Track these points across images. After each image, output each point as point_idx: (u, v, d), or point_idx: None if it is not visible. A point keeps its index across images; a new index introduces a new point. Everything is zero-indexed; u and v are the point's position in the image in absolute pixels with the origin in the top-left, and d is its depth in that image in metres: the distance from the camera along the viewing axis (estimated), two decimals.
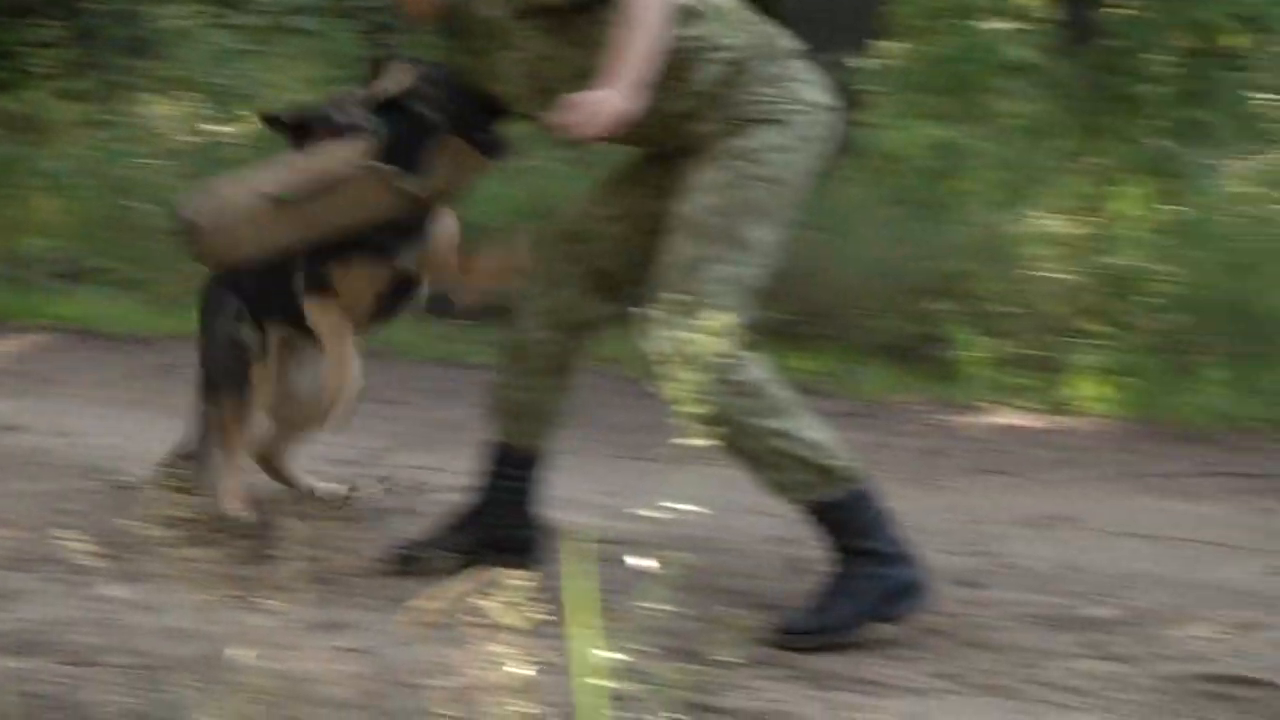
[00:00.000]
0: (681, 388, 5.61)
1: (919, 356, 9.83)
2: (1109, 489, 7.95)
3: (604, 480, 7.72)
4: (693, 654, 4.70)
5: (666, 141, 6.09)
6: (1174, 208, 10.45)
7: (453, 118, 6.38)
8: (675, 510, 3.56)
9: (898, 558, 5.87)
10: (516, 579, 3.26)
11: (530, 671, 3.31)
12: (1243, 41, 12.02)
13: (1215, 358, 9.24)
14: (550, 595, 3.17)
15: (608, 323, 6.41)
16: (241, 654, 4.92)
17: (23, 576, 6.54)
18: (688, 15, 5.90)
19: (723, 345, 5.54)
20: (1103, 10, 15.82)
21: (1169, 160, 10.97)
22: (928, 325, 9.93)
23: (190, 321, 10.38)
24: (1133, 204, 10.49)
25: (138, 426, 8.83)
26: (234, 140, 13.55)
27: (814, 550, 6.12)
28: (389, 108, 6.43)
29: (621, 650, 3.34)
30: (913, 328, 10.01)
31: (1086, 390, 9.22)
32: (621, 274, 6.23)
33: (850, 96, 12.27)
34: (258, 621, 5.75)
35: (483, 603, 3.34)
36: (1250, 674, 5.47)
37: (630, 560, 3.46)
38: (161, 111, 14.69)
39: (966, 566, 6.50)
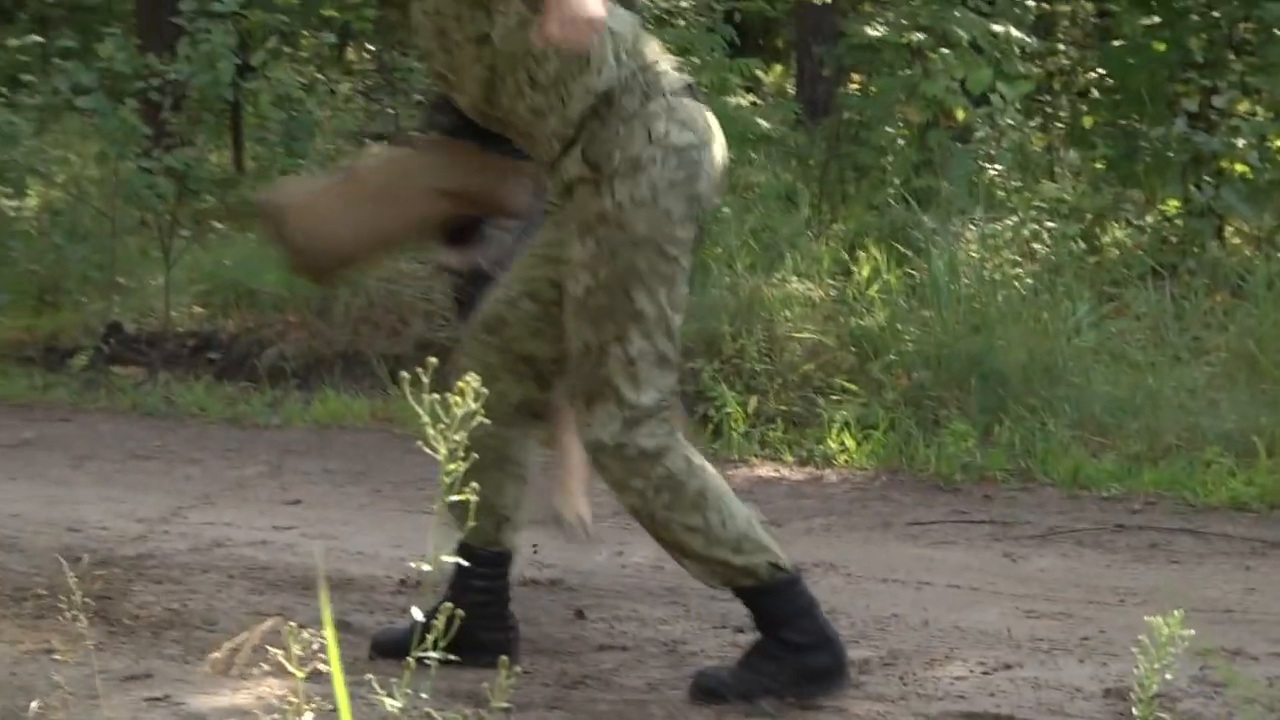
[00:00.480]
0: (608, 479, 5.61)
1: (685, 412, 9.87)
2: (864, 537, 7.99)
3: (393, 533, 7.74)
4: (471, 698, 4.75)
5: (536, 154, 5.68)
6: (912, 271, 10.52)
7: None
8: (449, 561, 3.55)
9: (815, 646, 5.66)
10: (305, 629, 3.23)
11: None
12: (968, 116, 12.12)
13: (958, 411, 9.34)
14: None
15: (547, 407, 6.06)
16: (49, 706, 4.91)
17: None
18: None
19: (644, 439, 5.56)
20: (839, 87, 15.98)
21: (906, 226, 11.06)
22: (690, 384, 9.95)
23: None
24: (874, 268, 10.57)
25: None
26: (26, 214, 13.43)
27: (588, 598, 6.19)
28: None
29: (394, 697, 3.28)
30: (680, 386, 10.05)
31: (840, 444, 9.29)
32: (544, 355, 5.79)
33: None
34: (65, 675, 5.71)
35: (274, 651, 3.33)
36: (1003, 712, 5.50)
37: (416, 610, 3.41)
38: None
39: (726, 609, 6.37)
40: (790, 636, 5.65)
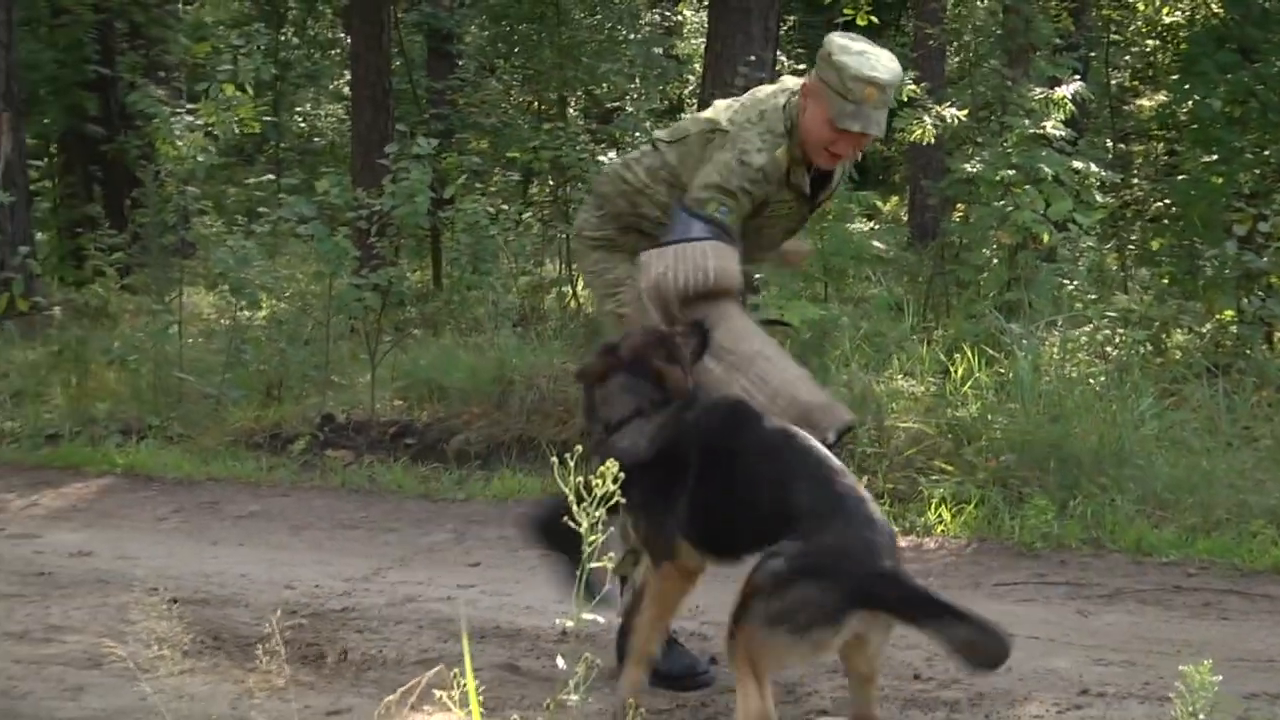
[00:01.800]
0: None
1: None
2: (957, 595, 7.90)
3: (558, 591, 7.71)
4: None
5: None
6: (1001, 370, 10.46)
7: None
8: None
9: None
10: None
11: None
12: (1052, 239, 12.05)
13: (1038, 489, 9.24)
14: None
15: None
16: None
17: (91, 673, 6.52)
18: None
19: None
20: (944, 215, 15.92)
21: (997, 332, 10.99)
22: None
23: (224, 468, 10.48)
24: (969, 367, 10.49)
25: (186, 552, 8.83)
26: (258, 323, 13.52)
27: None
28: None
29: None
30: None
31: (938, 516, 9.20)
32: None
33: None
34: (276, 710, 5.72)
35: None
36: None
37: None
38: (201, 301, 14.64)
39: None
40: None
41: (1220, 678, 3.96)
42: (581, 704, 3.33)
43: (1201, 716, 3.48)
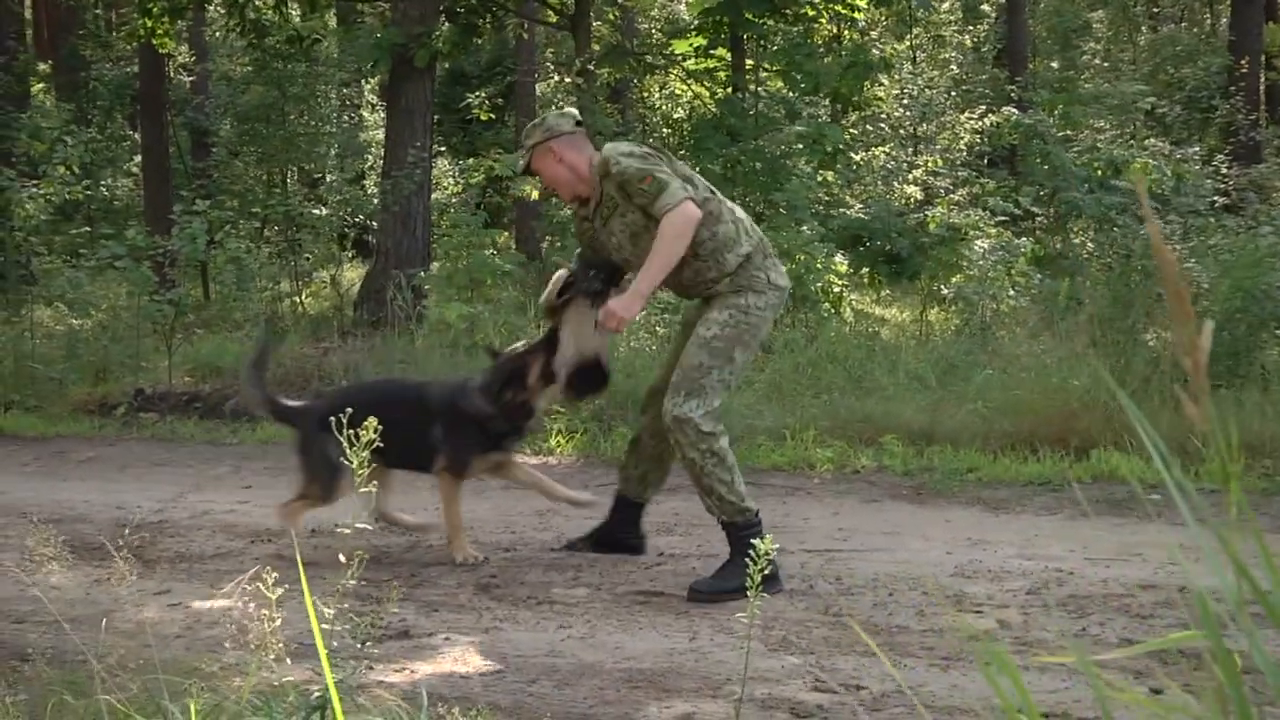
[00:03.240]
0: (681, 444, 5.66)
1: None
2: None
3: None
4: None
5: (700, 294, 5.96)
6: None
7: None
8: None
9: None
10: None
11: None
12: None
13: (621, 421, 9.21)
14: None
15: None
16: (110, 612, 4.62)
17: None
18: (716, 219, 5.81)
19: (708, 424, 5.71)
20: (544, 244, 15.79)
21: None
22: None
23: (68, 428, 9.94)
24: None
25: (44, 487, 8.42)
26: (89, 327, 13.03)
27: None
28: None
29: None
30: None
31: (558, 443, 9.13)
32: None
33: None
34: (117, 594, 5.43)
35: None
36: None
37: None
38: (42, 314, 14.04)
39: None
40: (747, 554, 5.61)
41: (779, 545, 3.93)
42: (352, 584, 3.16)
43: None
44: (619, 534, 6.42)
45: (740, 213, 6.03)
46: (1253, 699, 1.55)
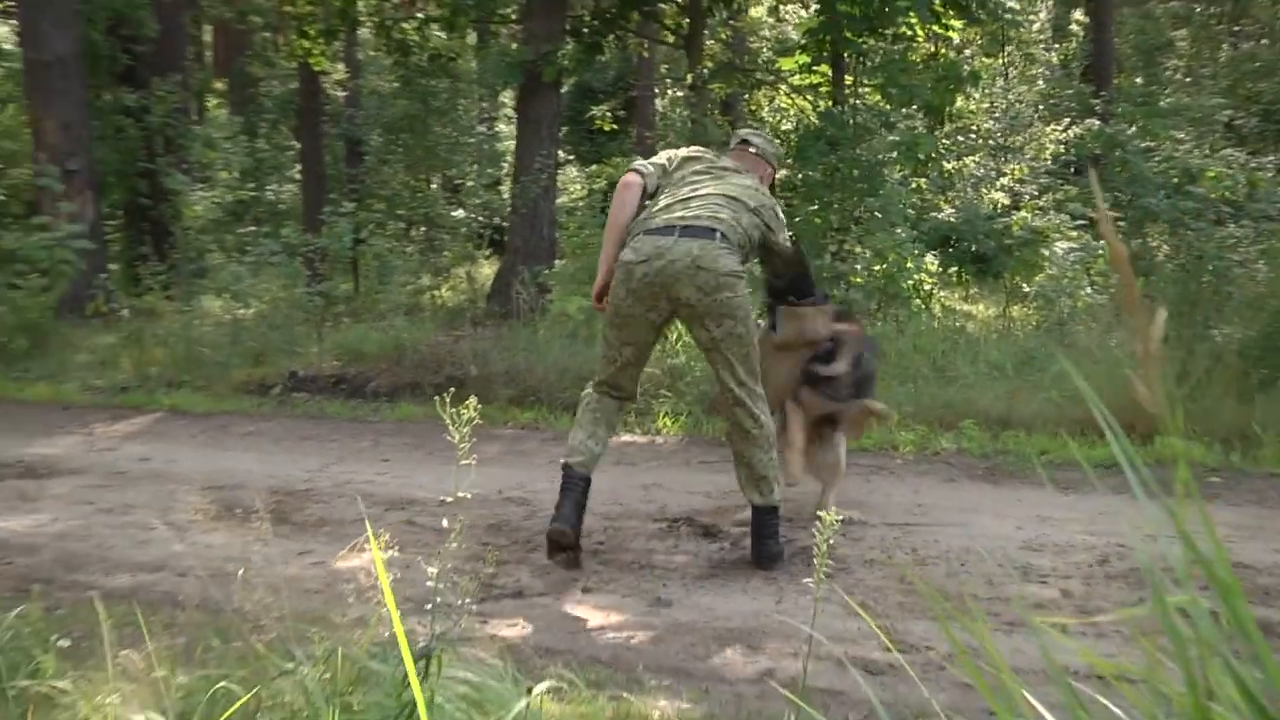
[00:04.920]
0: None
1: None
2: (679, 470, 7.93)
3: (438, 473, 7.56)
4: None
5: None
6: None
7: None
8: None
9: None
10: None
11: None
12: None
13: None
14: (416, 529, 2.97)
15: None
16: (256, 569, 4.72)
17: (152, 533, 6.34)
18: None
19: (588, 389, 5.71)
20: None
21: None
22: None
23: (230, 405, 10.14)
24: (678, 335, 10.47)
25: (208, 457, 8.59)
26: (249, 316, 13.26)
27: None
28: None
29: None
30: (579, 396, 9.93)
31: (664, 424, 9.17)
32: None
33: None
34: (264, 553, 5.54)
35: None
36: None
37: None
38: (211, 304, 14.32)
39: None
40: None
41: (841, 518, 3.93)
42: (458, 547, 3.22)
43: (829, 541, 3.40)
44: None
45: (661, 198, 5.62)
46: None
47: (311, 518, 6.71)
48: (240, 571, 4.49)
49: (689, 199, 5.51)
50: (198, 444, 9.15)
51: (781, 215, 5.85)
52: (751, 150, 6.05)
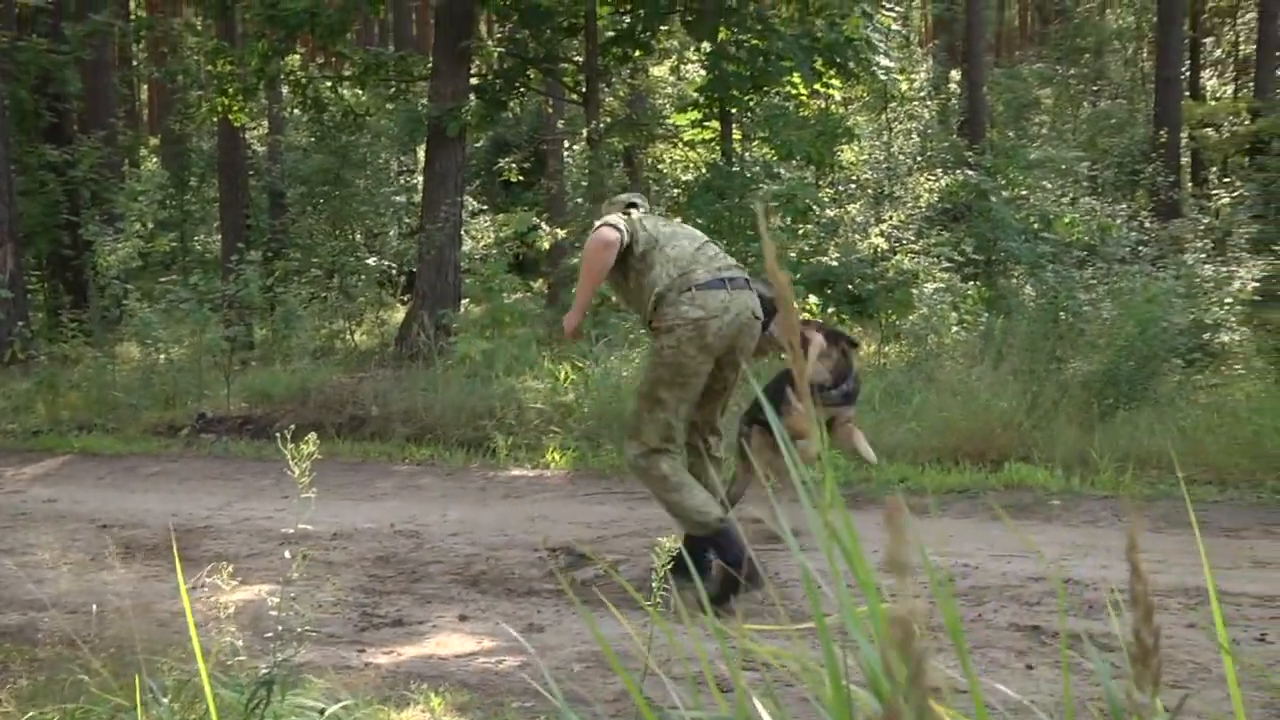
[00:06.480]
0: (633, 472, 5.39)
1: (477, 445, 9.67)
2: (565, 503, 7.87)
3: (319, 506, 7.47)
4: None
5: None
6: (588, 374, 10.36)
7: None
8: None
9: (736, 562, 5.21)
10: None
11: None
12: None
13: (608, 439, 9.21)
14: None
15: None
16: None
17: (55, 571, 6.18)
18: (649, 268, 5.35)
19: (645, 461, 5.38)
20: (563, 290, 15.81)
21: (588, 353, 10.89)
22: (481, 431, 9.79)
23: (139, 447, 9.91)
24: (567, 373, 10.47)
25: (114, 497, 8.42)
26: (161, 361, 13.05)
27: None
28: None
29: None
30: (475, 432, 9.87)
31: (554, 458, 9.14)
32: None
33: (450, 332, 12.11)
34: (162, 587, 5.40)
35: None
36: None
37: None
38: (126, 349, 14.05)
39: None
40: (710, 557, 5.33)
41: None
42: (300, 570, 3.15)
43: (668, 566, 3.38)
44: None
45: (678, 252, 5.41)
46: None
47: (207, 553, 6.58)
48: (101, 606, 4.38)
49: (702, 247, 5.50)
50: (104, 485, 8.97)
51: None
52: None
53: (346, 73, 16.49)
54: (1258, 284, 11.58)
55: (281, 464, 9.50)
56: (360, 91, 17.11)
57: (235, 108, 16.27)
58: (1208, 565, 1.64)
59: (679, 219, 5.84)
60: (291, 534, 6.78)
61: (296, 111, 20.68)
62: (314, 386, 11.29)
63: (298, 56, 17.76)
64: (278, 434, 10.88)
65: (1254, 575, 5.48)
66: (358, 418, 9.99)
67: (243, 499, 8.17)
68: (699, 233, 5.64)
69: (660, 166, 19.65)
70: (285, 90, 19.42)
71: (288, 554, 3.36)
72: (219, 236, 21.23)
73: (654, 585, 3.37)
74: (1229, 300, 11.06)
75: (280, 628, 3.12)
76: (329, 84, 16.86)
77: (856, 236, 15.28)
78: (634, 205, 5.80)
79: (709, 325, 5.26)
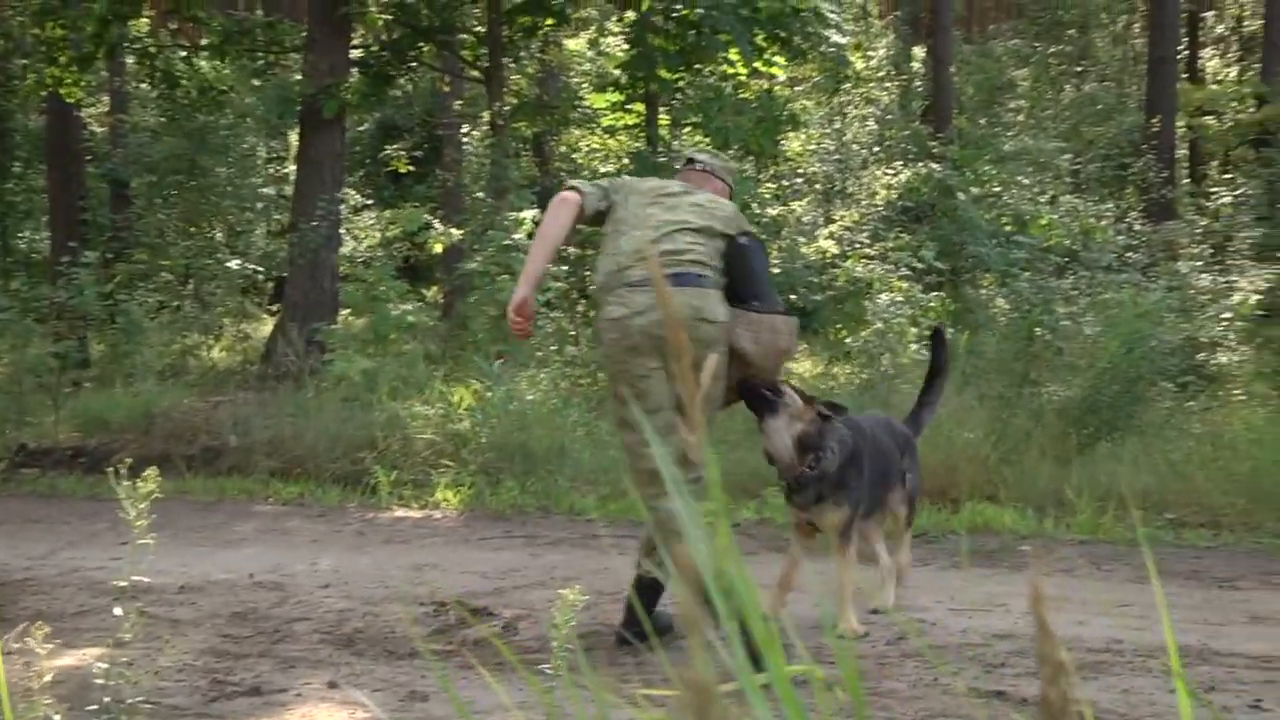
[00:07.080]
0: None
1: (355, 481, 9.65)
2: (457, 549, 7.87)
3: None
4: None
5: None
6: (486, 397, 10.36)
7: None
8: None
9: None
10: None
11: None
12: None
13: (509, 474, 9.25)
14: None
15: None
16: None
17: None
18: (600, 253, 5.41)
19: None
20: (459, 297, 15.79)
21: (486, 375, 10.91)
22: (360, 465, 9.76)
23: None
24: (462, 397, 10.46)
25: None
26: None
27: None
28: None
29: None
30: (353, 466, 9.84)
31: (445, 497, 9.12)
32: None
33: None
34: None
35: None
36: None
37: None
38: None
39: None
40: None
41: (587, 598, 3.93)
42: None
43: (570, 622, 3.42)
44: None
45: (631, 244, 5.30)
46: None
47: (25, 611, 6.48)
48: None
49: (669, 236, 5.32)
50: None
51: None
52: (698, 167, 5.87)
53: (204, 41, 16.37)
54: (1261, 296, 11.84)
55: (119, 504, 9.45)
56: (220, 64, 16.98)
57: (68, 80, 16.05)
58: (1168, 619, 1.68)
59: (689, 199, 5.49)
60: (125, 587, 6.77)
61: (144, 87, 20.46)
62: (161, 412, 11.17)
63: (145, 21, 17.62)
64: (113, 468, 10.80)
65: (1250, 632, 5.60)
66: (213, 449, 9.91)
67: (71, 546, 8.07)
68: (683, 217, 5.38)
69: (575, 156, 19.71)
70: (130, 61, 19.23)
71: (118, 611, 3.33)
72: (47, 234, 20.91)
73: (554, 645, 3.39)
74: (1228, 315, 11.30)
75: (107, 699, 3.09)
76: (183, 54, 16.72)
77: (802, 239, 15.44)
78: (693, 161, 5.84)
79: (632, 323, 5.21)
